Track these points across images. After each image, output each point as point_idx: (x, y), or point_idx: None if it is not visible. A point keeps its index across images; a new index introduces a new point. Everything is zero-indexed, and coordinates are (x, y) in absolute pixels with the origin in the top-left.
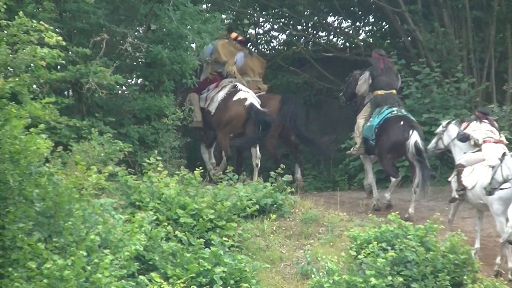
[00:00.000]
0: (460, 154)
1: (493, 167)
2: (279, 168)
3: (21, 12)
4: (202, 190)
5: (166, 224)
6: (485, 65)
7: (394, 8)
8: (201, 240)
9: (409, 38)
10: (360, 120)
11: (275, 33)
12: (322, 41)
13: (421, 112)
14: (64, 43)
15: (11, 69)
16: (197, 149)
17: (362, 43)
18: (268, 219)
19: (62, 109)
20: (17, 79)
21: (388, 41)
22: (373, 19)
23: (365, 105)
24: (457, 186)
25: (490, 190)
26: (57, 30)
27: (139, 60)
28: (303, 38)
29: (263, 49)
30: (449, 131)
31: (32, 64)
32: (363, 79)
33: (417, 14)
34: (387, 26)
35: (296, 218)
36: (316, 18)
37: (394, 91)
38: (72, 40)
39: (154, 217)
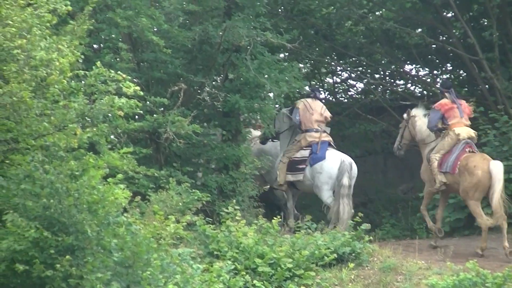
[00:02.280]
0: None
1: None
2: (357, 217)
3: (98, 62)
4: (280, 239)
5: (244, 273)
6: None
7: (471, 56)
8: None
9: (487, 86)
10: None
11: (353, 82)
12: (400, 90)
13: (499, 159)
14: (141, 93)
15: (89, 119)
16: (275, 197)
17: (439, 91)
18: (346, 267)
19: (140, 159)
20: (95, 129)
21: (466, 88)
22: (451, 67)
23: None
24: None
25: None
26: (134, 80)
27: (217, 109)
28: (381, 86)
29: (340, 98)
30: None
31: (110, 114)
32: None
33: (495, 62)
34: (465, 74)
35: (374, 266)
36: (393, 66)
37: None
38: (150, 90)
39: (232, 267)
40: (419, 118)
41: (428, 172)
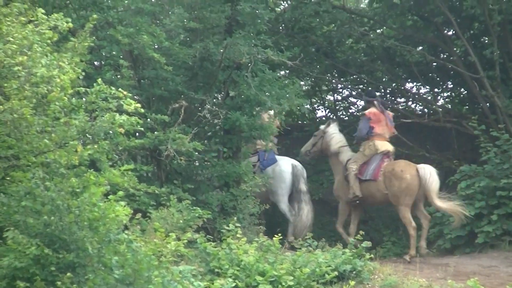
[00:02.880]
0: None
1: None
2: (358, 235)
3: (99, 79)
4: (281, 256)
5: None
6: None
7: (472, 74)
8: None
9: (488, 104)
10: None
11: (354, 100)
12: (401, 107)
13: (500, 177)
14: (142, 110)
15: (90, 136)
16: (276, 215)
17: (440, 109)
18: (347, 285)
19: (141, 176)
20: (95, 146)
21: (467, 107)
22: (452, 85)
23: None
24: None
25: None
26: (135, 97)
27: (218, 126)
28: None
29: (341, 115)
30: None
31: (111, 131)
32: None
33: (496, 80)
34: (466, 92)
35: (375, 284)
36: (394, 84)
37: None
38: (151, 107)
39: (233, 284)
40: (337, 134)
41: (344, 187)
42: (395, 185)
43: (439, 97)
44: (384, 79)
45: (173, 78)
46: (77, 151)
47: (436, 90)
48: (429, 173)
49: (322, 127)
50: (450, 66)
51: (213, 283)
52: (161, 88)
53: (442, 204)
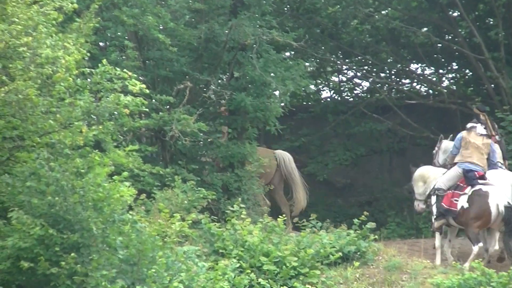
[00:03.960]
0: None
1: None
2: (362, 215)
3: (104, 60)
4: (286, 237)
5: (250, 271)
6: None
7: (477, 55)
8: (285, 287)
9: (492, 85)
10: None
11: (358, 81)
12: (405, 88)
13: (505, 158)
14: (147, 91)
15: (94, 117)
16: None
17: (445, 91)
18: (352, 266)
19: (146, 156)
20: (100, 127)
21: (472, 88)
22: (456, 66)
23: None
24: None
25: None
26: (140, 78)
27: (223, 107)
28: (386, 85)
29: (346, 97)
30: None
31: (115, 112)
32: None
33: (500, 61)
34: (470, 73)
35: (379, 265)
36: (399, 65)
37: None
38: (156, 88)
39: (238, 265)
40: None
41: None
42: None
43: (443, 78)
44: (389, 60)
45: (178, 59)
46: (82, 132)
47: (441, 71)
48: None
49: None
50: (455, 48)
51: (217, 264)
52: (166, 69)
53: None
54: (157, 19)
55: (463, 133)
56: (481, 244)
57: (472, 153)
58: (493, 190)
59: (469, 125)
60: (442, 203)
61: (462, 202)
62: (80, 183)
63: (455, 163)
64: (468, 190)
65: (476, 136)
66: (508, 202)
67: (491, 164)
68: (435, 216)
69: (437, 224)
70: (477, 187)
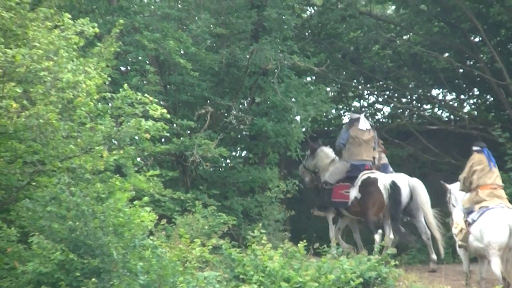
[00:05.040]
0: None
1: None
2: (383, 241)
3: (125, 84)
4: (306, 263)
5: None
6: None
7: (498, 81)
8: None
9: None
10: None
11: (380, 106)
12: (427, 114)
13: None
14: (168, 116)
15: (115, 142)
16: (301, 221)
17: (466, 116)
18: None
19: (167, 181)
20: (121, 151)
21: (493, 113)
22: (478, 92)
23: None
24: None
25: None
26: (161, 102)
27: (244, 132)
28: (408, 110)
29: None
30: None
31: (136, 137)
32: None
33: None
34: (492, 98)
35: None
36: (420, 90)
37: None
38: (177, 113)
39: None
40: None
41: None
42: None
43: (465, 104)
44: (410, 86)
45: (199, 83)
46: (102, 157)
47: (462, 96)
48: None
49: None
50: (476, 73)
51: None
52: (187, 93)
53: None
54: (178, 43)
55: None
56: (380, 231)
57: (360, 150)
58: (381, 175)
59: (354, 116)
60: (332, 198)
61: (353, 193)
62: (101, 208)
63: None
64: (358, 181)
65: (361, 131)
66: (393, 181)
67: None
68: (317, 207)
69: (316, 213)
70: (365, 175)
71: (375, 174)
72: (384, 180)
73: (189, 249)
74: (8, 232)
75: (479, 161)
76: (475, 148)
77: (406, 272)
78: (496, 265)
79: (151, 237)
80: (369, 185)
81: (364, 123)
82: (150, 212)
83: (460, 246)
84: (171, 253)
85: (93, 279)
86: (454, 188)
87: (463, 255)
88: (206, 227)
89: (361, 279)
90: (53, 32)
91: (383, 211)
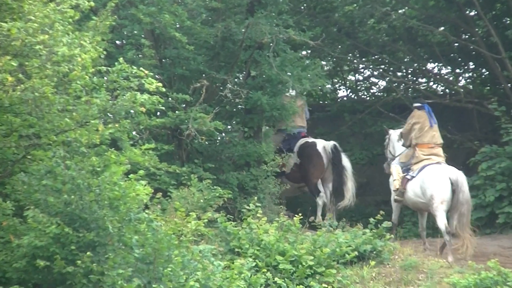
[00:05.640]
0: None
1: None
2: (378, 215)
3: (121, 58)
4: (301, 236)
5: (266, 270)
6: None
7: (494, 55)
8: (301, 286)
9: (509, 85)
10: None
11: (375, 80)
12: (422, 88)
13: None
14: (164, 89)
15: (110, 115)
16: (296, 195)
17: (462, 90)
18: (368, 265)
19: (162, 155)
20: (116, 125)
21: (488, 87)
22: (473, 66)
23: None
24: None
25: None
26: (157, 76)
27: (239, 106)
28: (403, 84)
29: (362, 95)
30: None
31: (132, 110)
32: None
33: None
34: (487, 72)
35: (395, 264)
36: (416, 64)
37: None
38: (172, 87)
39: (254, 264)
40: None
41: None
42: None
43: (460, 78)
44: (405, 59)
45: (195, 57)
46: (98, 130)
47: (457, 70)
48: None
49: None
50: (472, 47)
51: (233, 263)
52: (182, 67)
53: None
54: (173, 17)
55: None
56: (322, 194)
57: (294, 117)
58: (318, 140)
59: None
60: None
61: (293, 160)
62: (96, 182)
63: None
64: (296, 147)
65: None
66: (334, 144)
67: None
68: None
69: None
70: (303, 141)
71: (311, 139)
72: (323, 143)
73: (185, 223)
74: (3, 206)
75: (418, 118)
76: (416, 105)
77: (401, 246)
78: (440, 219)
79: (146, 211)
80: (309, 148)
81: (290, 91)
82: (145, 185)
83: (396, 201)
84: (166, 227)
85: (88, 253)
86: (393, 135)
87: (395, 208)
88: (202, 200)
89: (356, 253)
90: (49, 5)
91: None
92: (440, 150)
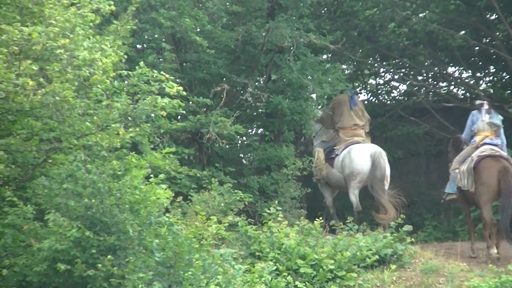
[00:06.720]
0: None
1: None
2: (399, 218)
3: (142, 62)
4: (322, 240)
5: (286, 274)
6: None
7: None
8: None
9: None
10: None
11: (396, 83)
12: (443, 92)
13: None
14: (184, 93)
15: (131, 119)
16: (317, 199)
17: (482, 94)
18: (388, 269)
19: (183, 159)
20: (137, 129)
21: (509, 91)
22: (494, 70)
23: None
24: None
25: None
26: (177, 80)
27: (260, 110)
28: (424, 88)
29: (383, 99)
30: None
31: (152, 114)
32: None
33: None
34: (508, 76)
35: (416, 268)
36: (436, 68)
37: None
38: (193, 90)
39: (274, 267)
40: None
41: None
42: None
43: (481, 81)
44: (426, 63)
45: (215, 61)
46: (118, 134)
47: (478, 74)
48: None
49: None
50: (492, 51)
51: (254, 266)
52: (203, 71)
53: None
54: (194, 21)
55: None
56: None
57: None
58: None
59: None
60: None
61: None
62: (117, 186)
63: None
64: None
65: None
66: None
67: None
68: None
69: None
70: None
71: None
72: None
73: (205, 226)
74: (24, 209)
75: (338, 102)
76: None
77: (422, 250)
78: (352, 194)
79: (167, 214)
80: None
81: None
82: (166, 189)
83: (317, 180)
84: (187, 230)
85: (109, 256)
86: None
87: (324, 190)
88: (222, 204)
89: (377, 256)
90: (69, 9)
91: None
92: (362, 132)
